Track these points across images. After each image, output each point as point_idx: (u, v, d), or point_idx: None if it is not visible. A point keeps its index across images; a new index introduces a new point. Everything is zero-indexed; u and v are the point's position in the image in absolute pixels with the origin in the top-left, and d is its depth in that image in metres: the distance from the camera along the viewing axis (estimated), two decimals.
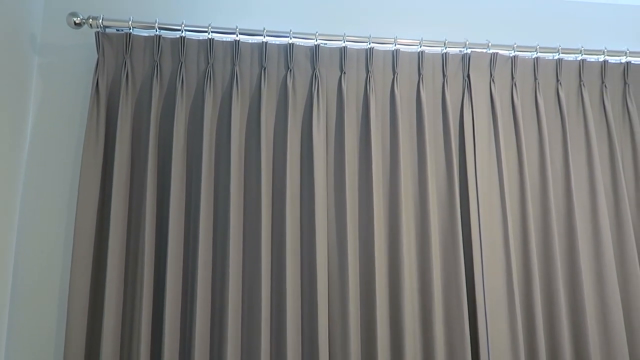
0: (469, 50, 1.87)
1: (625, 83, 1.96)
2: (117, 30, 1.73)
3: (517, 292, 1.68)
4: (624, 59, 1.96)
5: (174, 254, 1.57)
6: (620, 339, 1.68)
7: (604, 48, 1.99)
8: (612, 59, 1.98)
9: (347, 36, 1.81)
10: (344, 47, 1.80)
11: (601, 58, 1.95)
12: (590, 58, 1.96)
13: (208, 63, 1.73)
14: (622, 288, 1.76)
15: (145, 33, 1.75)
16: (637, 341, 1.71)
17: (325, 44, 1.82)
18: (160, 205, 1.64)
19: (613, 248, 1.79)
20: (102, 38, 1.70)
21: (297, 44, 1.80)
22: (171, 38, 1.74)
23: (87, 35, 1.80)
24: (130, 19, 1.71)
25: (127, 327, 1.55)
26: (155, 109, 1.66)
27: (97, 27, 1.70)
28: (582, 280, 1.71)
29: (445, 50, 1.87)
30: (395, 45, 1.83)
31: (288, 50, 1.77)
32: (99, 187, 1.60)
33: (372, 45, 1.83)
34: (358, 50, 1.82)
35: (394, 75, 1.82)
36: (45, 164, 1.72)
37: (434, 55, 1.87)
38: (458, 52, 1.90)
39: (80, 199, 1.57)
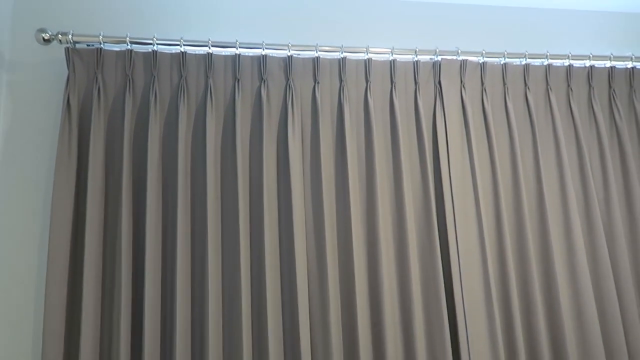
0: (439, 58, 1.91)
1: (590, 86, 2.02)
2: (87, 45, 1.71)
3: (495, 292, 1.71)
4: (587, 63, 2.03)
5: (152, 269, 1.55)
6: (594, 333, 1.73)
7: (568, 53, 2.05)
8: (576, 63, 2.04)
9: (320, 46, 1.83)
10: (317, 57, 1.82)
11: (566, 62, 2.02)
12: (555, 63, 2.02)
13: (181, 76, 1.73)
14: (594, 284, 1.81)
15: (116, 48, 1.74)
16: (611, 335, 1.75)
17: (298, 54, 1.84)
18: (136, 220, 1.62)
19: (585, 245, 1.84)
20: (72, 53, 1.68)
21: (270, 55, 1.81)
22: (143, 52, 1.74)
23: (57, 51, 1.78)
24: (100, 33, 1.70)
25: (106, 344, 1.52)
26: (128, 124, 1.64)
27: (67, 43, 1.69)
28: (557, 278, 1.75)
29: (416, 58, 1.90)
30: (367, 54, 1.86)
31: (261, 61, 1.78)
32: (73, 204, 1.57)
33: (345, 54, 1.85)
34: (331, 60, 1.84)
35: (367, 83, 1.84)
36: (17, 181, 1.68)
37: (405, 63, 1.90)
38: (429, 59, 1.93)
39: (54, 217, 1.54)
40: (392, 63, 1.87)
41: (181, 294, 1.55)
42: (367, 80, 1.85)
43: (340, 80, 1.83)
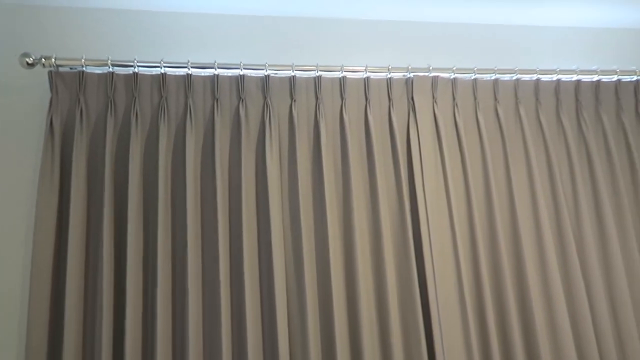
0: (411, 75, 1.99)
1: (557, 99, 2.11)
2: (70, 68, 1.76)
3: (469, 300, 1.77)
4: (555, 77, 2.12)
5: (133, 288, 1.58)
6: (565, 331, 1.79)
7: (536, 67, 2.13)
8: (544, 77, 2.13)
9: (296, 65, 1.90)
10: (293, 76, 1.88)
11: (534, 77, 2.10)
12: (524, 77, 2.11)
13: (161, 97, 1.79)
14: (565, 289, 1.88)
15: (98, 70, 1.79)
16: (581, 333, 1.82)
17: (276, 73, 1.90)
18: (118, 240, 1.65)
19: (555, 252, 1.90)
20: (55, 77, 1.73)
21: (248, 75, 1.88)
22: (124, 74, 1.79)
23: (41, 75, 1.83)
24: (83, 57, 1.75)
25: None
26: (110, 144, 1.69)
27: (50, 66, 1.74)
28: (529, 284, 1.82)
29: (389, 75, 1.98)
30: (342, 72, 1.93)
31: (239, 81, 1.85)
32: (56, 223, 1.61)
33: (320, 73, 1.92)
34: (307, 79, 1.91)
35: (342, 100, 1.91)
36: (0, 202, 1.72)
37: (379, 80, 1.97)
38: (402, 76, 2.01)
39: (37, 238, 1.57)
40: (366, 80, 1.95)
41: (162, 309, 1.58)
42: (342, 98, 1.92)
43: (317, 98, 1.90)
